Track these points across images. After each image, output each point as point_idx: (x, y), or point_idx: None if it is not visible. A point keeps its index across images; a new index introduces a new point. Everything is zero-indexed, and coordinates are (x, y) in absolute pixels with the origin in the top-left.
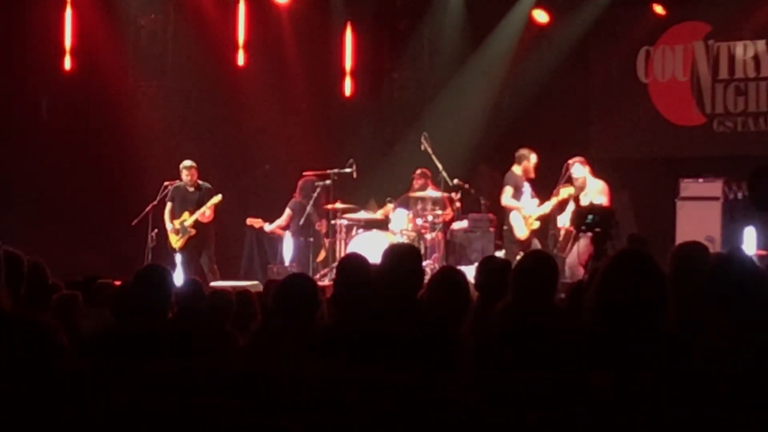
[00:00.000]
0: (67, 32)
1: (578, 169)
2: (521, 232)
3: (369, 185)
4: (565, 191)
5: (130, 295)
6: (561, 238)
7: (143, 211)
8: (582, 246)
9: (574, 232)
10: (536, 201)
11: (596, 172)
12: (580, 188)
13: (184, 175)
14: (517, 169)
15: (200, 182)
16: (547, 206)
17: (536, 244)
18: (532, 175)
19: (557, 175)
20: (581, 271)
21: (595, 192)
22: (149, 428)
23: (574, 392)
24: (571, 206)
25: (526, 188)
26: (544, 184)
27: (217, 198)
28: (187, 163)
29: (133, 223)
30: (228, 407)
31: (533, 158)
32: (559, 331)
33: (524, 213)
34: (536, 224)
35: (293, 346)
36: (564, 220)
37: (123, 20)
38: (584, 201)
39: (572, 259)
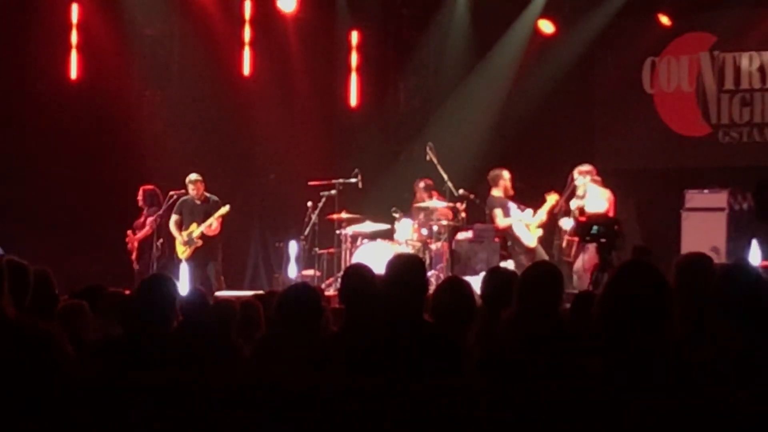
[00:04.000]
0: (73, 42)
1: (578, 178)
2: (528, 240)
3: (374, 195)
4: (550, 198)
5: (135, 304)
6: (565, 245)
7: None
8: (590, 253)
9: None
10: (530, 211)
11: (603, 182)
12: (581, 197)
13: (191, 189)
14: (497, 192)
15: (207, 195)
16: (540, 215)
17: (541, 252)
18: (512, 192)
19: (561, 186)
20: (588, 277)
21: (595, 197)
22: None
23: (578, 402)
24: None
25: (511, 205)
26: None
27: (225, 209)
28: (193, 177)
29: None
30: (232, 417)
31: (506, 175)
32: (563, 341)
33: (525, 222)
34: (539, 231)
35: (297, 355)
36: (568, 224)
37: (129, 30)
38: (586, 207)
39: (579, 266)
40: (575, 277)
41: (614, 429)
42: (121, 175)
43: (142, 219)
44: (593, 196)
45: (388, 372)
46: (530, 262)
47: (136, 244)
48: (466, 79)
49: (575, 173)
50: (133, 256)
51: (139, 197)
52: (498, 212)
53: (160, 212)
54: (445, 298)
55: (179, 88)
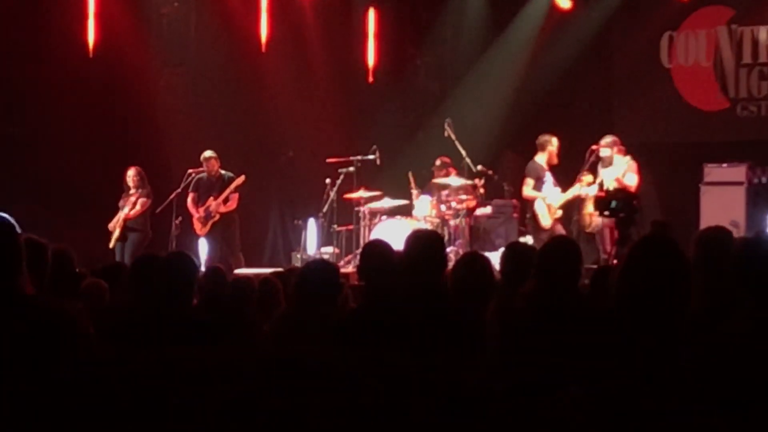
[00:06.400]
0: (90, 20)
1: (605, 151)
2: (545, 220)
3: (393, 172)
4: (586, 179)
5: (155, 281)
6: (588, 220)
7: (167, 199)
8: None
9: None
10: (558, 189)
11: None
12: (608, 166)
13: (205, 166)
14: (540, 158)
15: (222, 172)
16: (571, 192)
17: (560, 230)
18: (556, 161)
19: (581, 161)
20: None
21: (623, 167)
22: (172, 415)
23: (597, 378)
24: (593, 189)
25: (548, 178)
26: (567, 170)
27: (240, 179)
28: (207, 154)
29: (156, 211)
30: (251, 394)
31: (555, 142)
32: (582, 316)
33: (548, 202)
34: (559, 212)
35: (316, 332)
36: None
37: (146, 8)
38: (611, 175)
39: None
40: None
41: (634, 404)
42: (139, 153)
43: (134, 198)
44: (621, 167)
45: (407, 348)
46: (540, 241)
47: (123, 220)
48: (483, 55)
49: (602, 149)
50: (116, 236)
51: (135, 177)
52: (529, 181)
53: (179, 190)
54: (464, 273)
55: (196, 64)
